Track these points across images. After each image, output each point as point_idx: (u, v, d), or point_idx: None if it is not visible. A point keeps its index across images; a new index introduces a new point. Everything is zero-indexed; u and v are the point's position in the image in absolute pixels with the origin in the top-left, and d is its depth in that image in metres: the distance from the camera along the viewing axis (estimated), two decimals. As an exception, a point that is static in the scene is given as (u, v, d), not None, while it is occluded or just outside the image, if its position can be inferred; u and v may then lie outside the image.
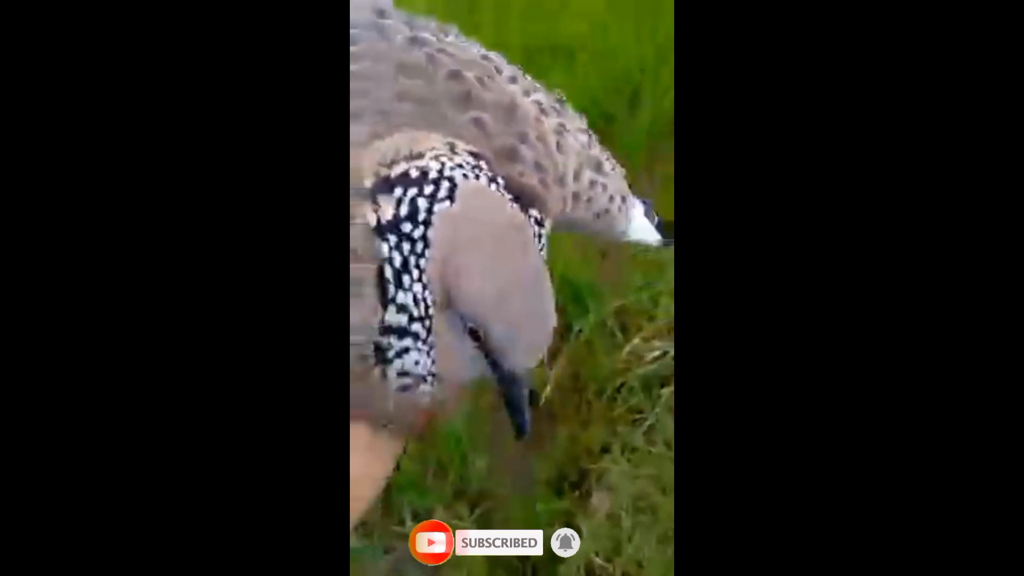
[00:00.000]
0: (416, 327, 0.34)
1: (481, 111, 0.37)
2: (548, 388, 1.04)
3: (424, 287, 0.33)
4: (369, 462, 0.37)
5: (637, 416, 1.01)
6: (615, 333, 1.10)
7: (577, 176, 0.39)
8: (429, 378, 0.35)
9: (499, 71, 0.39)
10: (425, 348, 0.34)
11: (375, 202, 0.33)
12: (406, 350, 0.34)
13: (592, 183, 0.39)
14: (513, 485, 0.92)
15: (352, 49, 0.35)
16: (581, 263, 1.22)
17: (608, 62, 1.42)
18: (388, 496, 0.88)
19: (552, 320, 0.36)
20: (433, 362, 0.35)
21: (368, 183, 0.33)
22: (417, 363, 0.35)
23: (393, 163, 0.34)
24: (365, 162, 0.34)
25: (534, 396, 1.05)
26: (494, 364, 0.35)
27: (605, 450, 0.99)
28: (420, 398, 0.35)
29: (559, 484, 0.94)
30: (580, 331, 1.12)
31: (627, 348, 1.07)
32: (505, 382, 0.35)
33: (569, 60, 1.50)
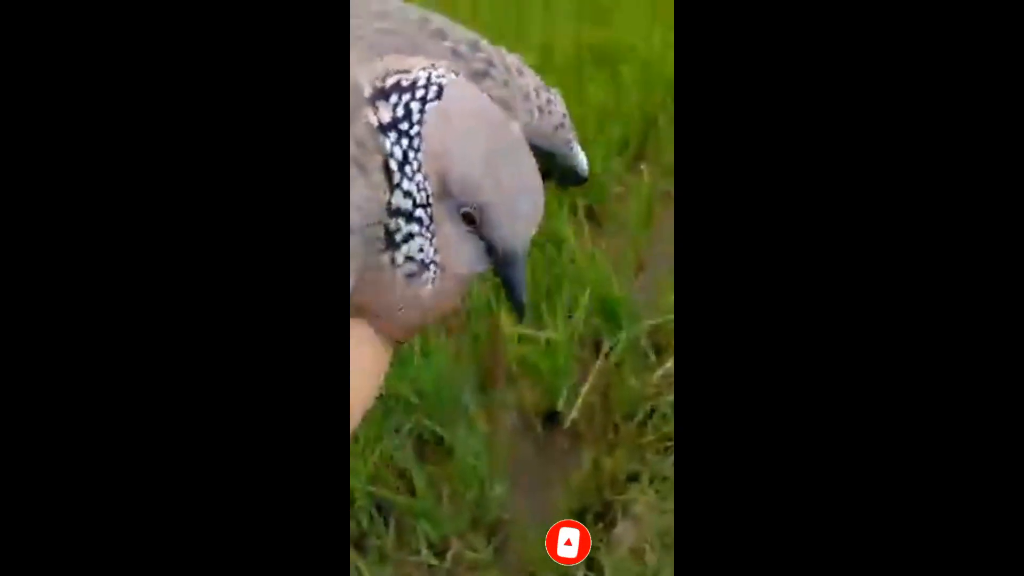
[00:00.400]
0: (420, 213, 0.38)
1: (455, 43, 0.44)
2: (575, 409, 1.00)
3: (424, 178, 0.38)
4: (368, 357, 0.40)
5: (668, 444, 0.97)
6: (648, 354, 1.06)
7: (537, 94, 0.46)
8: (432, 266, 0.39)
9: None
10: (429, 235, 0.39)
11: (374, 107, 0.39)
12: (411, 235, 0.39)
13: (548, 100, 0.46)
14: (532, 514, 0.89)
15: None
16: (615, 276, 1.18)
17: (651, 71, 1.38)
18: (402, 526, 0.86)
19: (540, 192, 0.40)
20: (436, 251, 0.39)
21: (367, 93, 0.39)
22: (421, 249, 0.39)
23: (386, 77, 0.39)
24: (362, 77, 0.40)
25: (559, 417, 1.02)
26: (490, 248, 0.39)
27: (632, 479, 0.95)
28: (424, 287, 0.39)
29: (581, 515, 0.91)
30: (611, 348, 1.08)
31: (659, 371, 1.03)
32: (502, 264, 0.40)
33: (614, 69, 1.48)
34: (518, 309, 0.41)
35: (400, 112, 0.39)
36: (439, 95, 0.39)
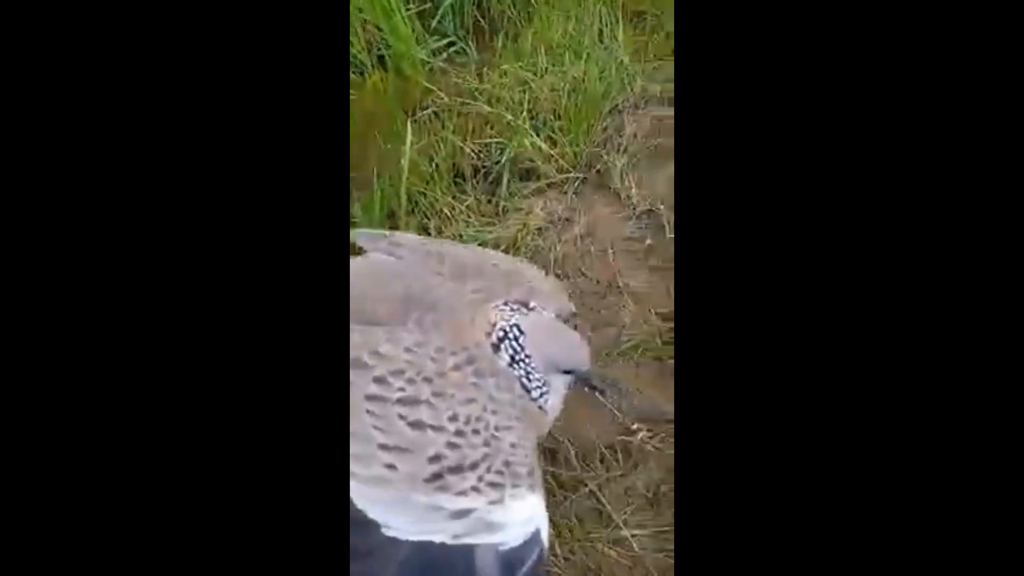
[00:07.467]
0: (536, 383, 0.86)
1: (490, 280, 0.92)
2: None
3: (533, 369, 0.86)
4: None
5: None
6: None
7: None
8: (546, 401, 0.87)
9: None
10: (545, 390, 0.87)
11: (497, 352, 0.85)
12: (545, 393, 0.87)
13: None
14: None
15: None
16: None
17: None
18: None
19: (586, 348, 0.90)
20: (544, 397, 0.87)
21: (489, 344, 0.85)
22: (548, 401, 0.88)
23: (489, 333, 0.85)
24: (477, 334, 0.85)
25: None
26: (583, 381, 0.91)
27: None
28: (549, 413, 0.88)
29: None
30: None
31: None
32: (583, 380, 0.91)
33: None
34: (615, 393, 0.90)
35: (510, 351, 0.84)
36: (520, 330, 0.85)
